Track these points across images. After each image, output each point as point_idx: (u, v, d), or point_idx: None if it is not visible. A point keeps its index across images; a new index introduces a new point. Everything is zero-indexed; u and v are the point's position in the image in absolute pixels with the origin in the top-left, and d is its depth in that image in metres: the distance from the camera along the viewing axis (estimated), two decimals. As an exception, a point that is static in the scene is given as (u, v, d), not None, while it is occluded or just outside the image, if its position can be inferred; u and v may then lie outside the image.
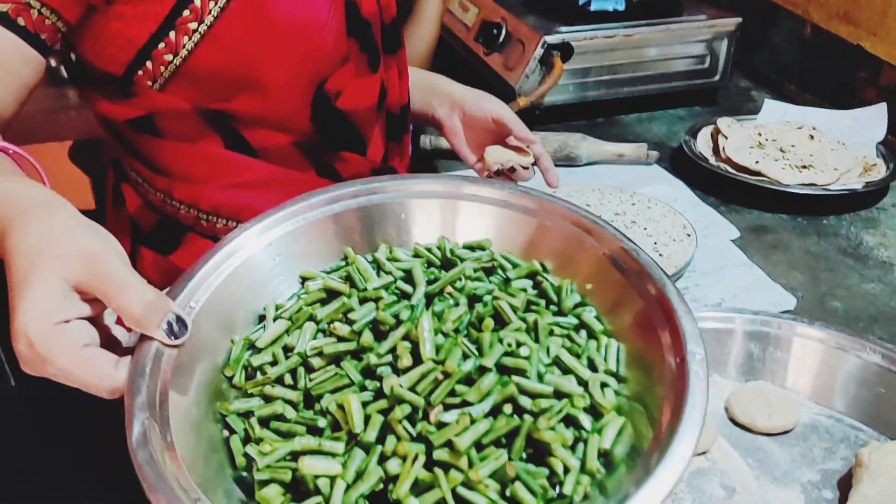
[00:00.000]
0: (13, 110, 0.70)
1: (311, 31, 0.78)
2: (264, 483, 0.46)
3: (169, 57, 0.74)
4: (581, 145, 1.20)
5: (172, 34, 0.73)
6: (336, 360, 0.52)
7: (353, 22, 0.83)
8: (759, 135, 1.18)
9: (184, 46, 0.74)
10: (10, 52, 0.68)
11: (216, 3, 0.73)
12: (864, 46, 1.23)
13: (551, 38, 1.26)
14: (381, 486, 0.45)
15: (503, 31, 1.36)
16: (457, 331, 0.53)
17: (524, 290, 0.58)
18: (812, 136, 1.16)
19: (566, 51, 1.27)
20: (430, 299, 0.56)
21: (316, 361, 0.52)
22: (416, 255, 0.62)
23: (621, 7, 1.35)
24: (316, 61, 0.80)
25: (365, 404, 0.48)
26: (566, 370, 0.51)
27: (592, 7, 1.34)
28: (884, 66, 1.19)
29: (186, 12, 0.72)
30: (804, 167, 1.09)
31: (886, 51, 1.18)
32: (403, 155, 1.00)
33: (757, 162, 1.10)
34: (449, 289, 0.56)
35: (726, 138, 1.16)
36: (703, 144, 1.20)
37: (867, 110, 1.21)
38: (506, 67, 1.33)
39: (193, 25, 0.73)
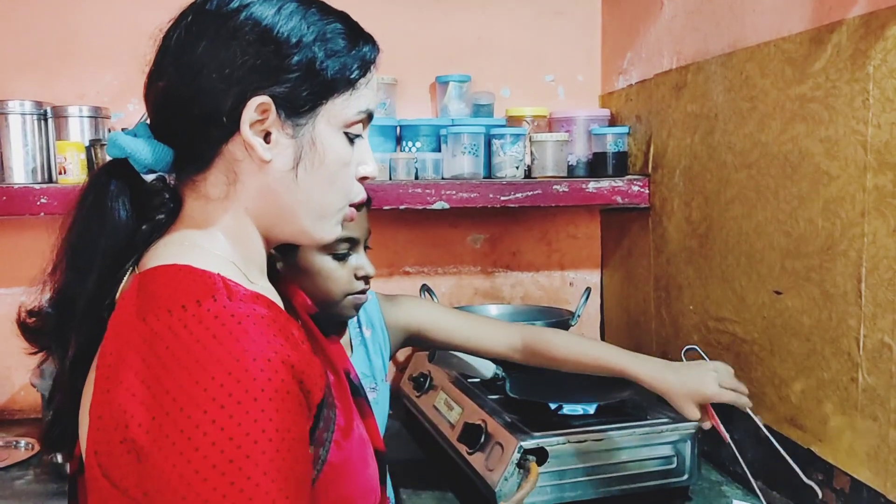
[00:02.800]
0: None
1: (371, 489, 0.84)
2: None
3: None
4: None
5: None
6: None
7: (381, 469, 0.89)
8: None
9: None
10: None
11: None
12: (814, 450, 1.33)
13: (526, 443, 1.37)
14: None
15: (483, 433, 1.47)
16: None
17: None
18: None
19: (541, 455, 1.37)
20: None
21: None
22: None
23: (591, 410, 1.49)
24: None
25: None
26: None
27: (564, 411, 1.48)
28: (834, 471, 1.28)
29: None
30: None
31: (834, 456, 1.28)
32: None
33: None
34: None
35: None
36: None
37: (829, 513, 1.27)
38: (487, 468, 1.42)
39: None
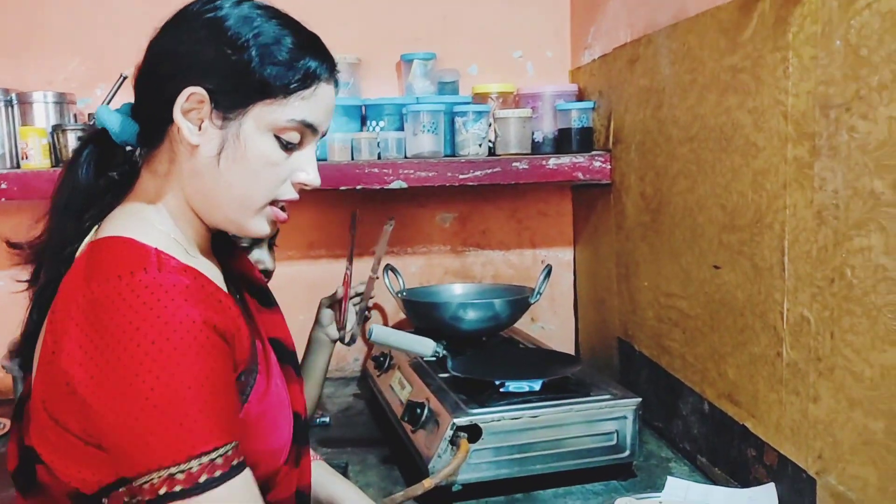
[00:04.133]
0: None
1: (276, 452, 0.93)
2: None
3: None
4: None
5: None
6: None
7: (297, 430, 0.97)
8: (655, 515, 1.22)
9: None
10: None
11: None
12: (748, 426, 1.31)
13: (460, 420, 1.37)
14: None
15: (425, 411, 1.48)
16: None
17: None
18: (705, 517, 1.20)
19: (475, 432, 1.37)
20: None
21: None
22: None
23: (537, 387, 1.49)
24: (275, 471, 0.93)
25: None
26: None
27: (508, 388, 1.48)
28: (765, 447, 1.26)
29: None
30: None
31: (764, 431, 1.27)
32: None
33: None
34: None
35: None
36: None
37: (759, 490, 1.26)
38: (425, 446, 1.43)
39: None
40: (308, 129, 0.89)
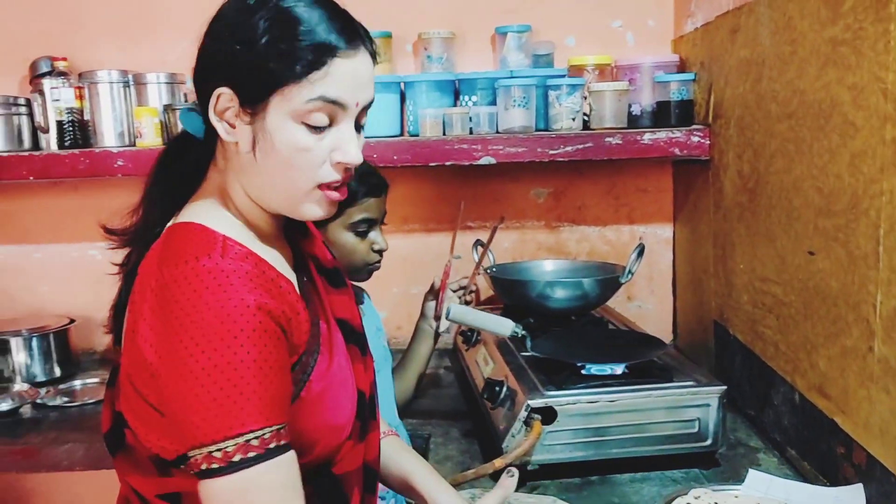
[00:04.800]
0: None
1: (338, 429, 0.95)
2: None
3: None
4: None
5: None
6: None
7: (360, 408, 1.00)
8: (729, 509, 1.18)
9: None
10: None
11: None
12: (837, 422, 1.24)
13: (534, 402, 1.37)
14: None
15: (503, 390, 1.49)
16: None
17: None
18: (784, 515, 1.15)
19: (549, 414, 1.37)
20: None
21: None
22: None
23: (619, 371, 1.46)
24: (335, 449, 0.96)
25: None
26: None
27: (592, 371, 1.46)
28: (854, 445, 1.19)
29: None
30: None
31: (853, 428, 1.19)
32: (374, 499, 1.10)
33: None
34: None
35: (694, 511, 1.18)
36: (674, 515, 1.21)
37: (847, 490, 1.19)
38: (501, 425, 1.44)
39: None
40: (333, 105, 0.86)
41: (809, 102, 1.29)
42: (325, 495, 0.96)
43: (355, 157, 0.89)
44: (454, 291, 1.69)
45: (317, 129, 0.87)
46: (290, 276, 0.96)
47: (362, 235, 1.41)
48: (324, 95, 0.85)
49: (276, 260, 0.95)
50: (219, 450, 0.78)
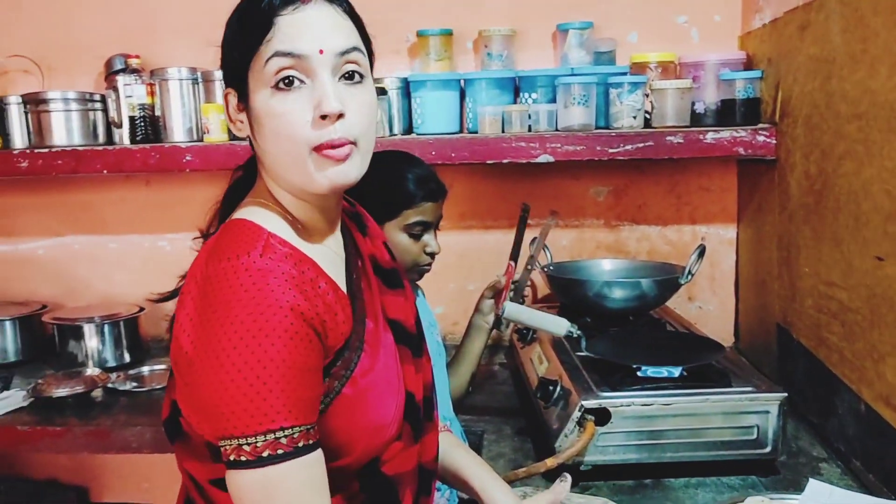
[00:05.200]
0: None
1: (382, 428, 0.96)
2: None
3: None
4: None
5: None
6: None
7: (409, 409, 1.01)
8: (786, 519, 1.16)
9: None
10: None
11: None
12: (905, 435, 1.20)
13: (588, 402, 1.37)
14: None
15: (557, 389, 1.49)
16: None
17: None
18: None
19: (602, 415, 1.36)
20: None
21: None
22: None
23: (675, 374, 1.44)
24: (380, 447, 0.97)
25: None
26: None
27: (645, 373, 1.44)
28: (921, 459, 1.15)
29: None
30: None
31: (921, 443, 1.15)
32: (429, 500, 1.12)
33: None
34: None
35: (748, 520, 1.16)
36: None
37: (912, 504, 1.15)
38: (554, 424, 1.44)
39: None
40: (291, 57, 0.87)
41: (881, 103, 1.25)
42: (375, 495, 0.97)
43: (332, 106, 0.86)
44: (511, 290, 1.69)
45: (286, 87, 0.87)
46: (338, 273, 0.97)
47: (416, 237, 1.44)
48: (277, 50, 0.87)
49: (323, 257, 0.96)
50: (248, 444, 0.81)
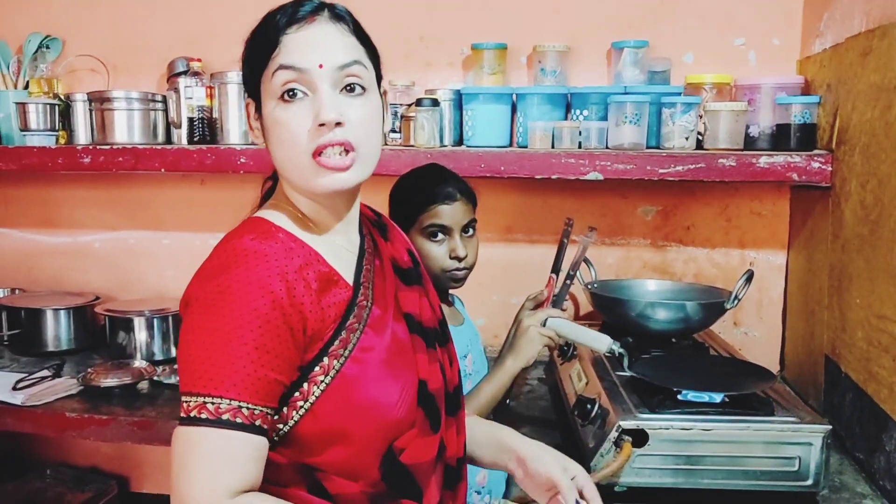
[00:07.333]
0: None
1: (385, 407, 1.00)
2: None
3: (280, 425, 0.96)
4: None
5: (285, 409, 0.96)
6: None
7: (422, 396, 1.04)
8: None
9: (291, 418, 0.96)
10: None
11: (317, 387, 0.96)
12: (953, 476, 1.17)
13: (626, 423, 1.36)
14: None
15: (595, 408, 1.48)
16: None
17: None
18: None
19: (640, 437, 1.35)
20: None
21: None
22: None
23: (717, 399, 1.42)
24: (389, 428, 1.00)
25: None
26: None
27: (686, 397, 1.43)
28: (970, 503, 1.11)
29: (297, 394, 0.96)
30: None
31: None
32: (457, 500, 1.13)
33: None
34: None
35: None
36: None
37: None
38: (591, 442, 1.43)
39: (301, 403, 0.96)
40: (293, 70, 0.95)
41: (943, 134, 1.22)
42: (395, 484, 1.01)
43: (328, 115, 0.94)
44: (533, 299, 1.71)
45: (289, 99, 0.95)
46: (343, 265, 1.03)
47: (436, 241, 1.47)
48: (282, 64, 0.95)
49: (328, 247, 1.03)
50: (185, 401, 0.90)
